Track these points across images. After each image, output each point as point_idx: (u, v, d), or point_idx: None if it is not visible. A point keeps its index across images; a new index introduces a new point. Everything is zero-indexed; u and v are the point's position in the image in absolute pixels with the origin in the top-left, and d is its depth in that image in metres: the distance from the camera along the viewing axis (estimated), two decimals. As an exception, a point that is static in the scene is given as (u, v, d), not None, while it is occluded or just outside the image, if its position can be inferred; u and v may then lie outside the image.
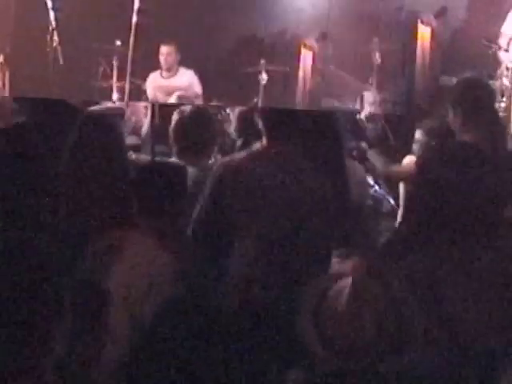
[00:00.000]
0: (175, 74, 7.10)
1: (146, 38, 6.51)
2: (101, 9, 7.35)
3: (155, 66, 7.18)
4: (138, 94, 6.87)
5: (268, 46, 7.69)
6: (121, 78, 6.57)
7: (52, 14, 5.06)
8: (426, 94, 7.44)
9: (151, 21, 6.62)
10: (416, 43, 7.35)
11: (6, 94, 6.59)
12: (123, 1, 6.41)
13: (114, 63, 6.64)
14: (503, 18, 6.26)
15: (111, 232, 2.88)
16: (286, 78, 7.56)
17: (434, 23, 7.58)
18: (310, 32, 7.79)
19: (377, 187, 5.95)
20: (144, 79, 7.05)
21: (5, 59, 5.62)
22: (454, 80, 6.75)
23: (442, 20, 7.50)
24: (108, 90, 6.75)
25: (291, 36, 7.73)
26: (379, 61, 6.61)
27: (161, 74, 7.19)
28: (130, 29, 6.25)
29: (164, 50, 7.09)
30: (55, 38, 5.06)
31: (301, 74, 7.64)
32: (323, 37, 7.75)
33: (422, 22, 7.45)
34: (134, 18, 6.25)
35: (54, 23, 5.07)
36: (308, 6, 8.00)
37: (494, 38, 5.54)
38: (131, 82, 6.46)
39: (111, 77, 6.70)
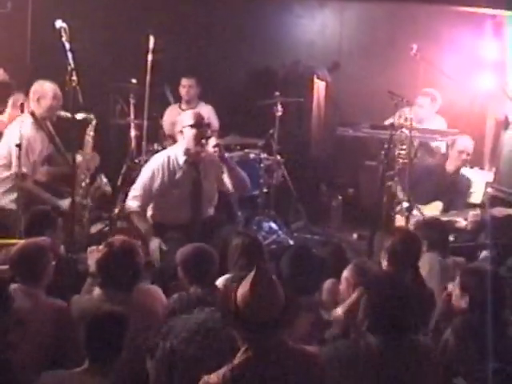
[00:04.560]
0: (195, 106, 7.16)
1: (163, 76, 6.61)
2: (117, 49, 7.54)
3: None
4: (155, 129, 6.98)
5: (282, 78, 7.79)
6: (138, 115, 6.68)
7: (70, 55, 5.15)
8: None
9: (166, 58, 6.75)
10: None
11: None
12: (138, 40, 6.52)
13: (131, 101, 6.76)
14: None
15: None
16: (300, 109, 7.63)
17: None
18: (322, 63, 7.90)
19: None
20: (161, 116, 7.17)
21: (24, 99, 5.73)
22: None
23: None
24: (126, 127, 6.86)
25: (304, 67, 7.82)
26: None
27: (180, 107, 7.28)
28: (146, 67, 6.35)
29: (186, 82, 7.21)
30: (74, 77, 5.15)
31: (315, 104, 7.72)
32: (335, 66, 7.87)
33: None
34: (150, 57, 6.36)
35: (72, 64, 5.15)
36: (319, 38, 8.16)
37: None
38: (149, 119, 6.55)
39: (128, 114, 6.81)
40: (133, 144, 6.73)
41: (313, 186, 7.64)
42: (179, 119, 5.37)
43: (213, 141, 5.22)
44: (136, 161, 6.55)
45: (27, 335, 3.53)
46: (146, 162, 6.12)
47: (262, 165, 6.73)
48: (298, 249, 4.16)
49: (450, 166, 6.34)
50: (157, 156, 5.45)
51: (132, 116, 6.76)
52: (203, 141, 5.19)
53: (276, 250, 5.99)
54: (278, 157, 6.85)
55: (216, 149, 5.18)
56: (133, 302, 3.81)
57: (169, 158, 5.28)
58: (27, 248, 3.98)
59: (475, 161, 7.15)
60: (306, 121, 7.78)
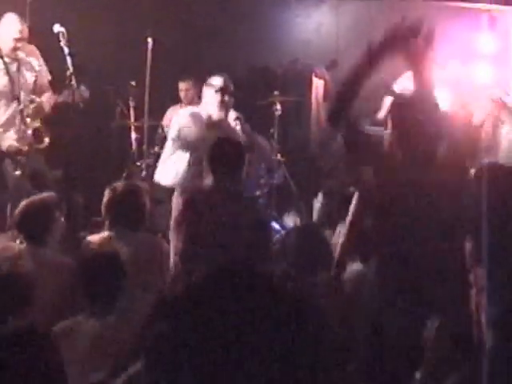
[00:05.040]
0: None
1: (162, 77, 6.62)
2: (115, 51, 7.55)
3: (172, 103, 7.32)
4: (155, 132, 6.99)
5: (280, 77, 7.80)
6: (138, 117, 6.69)
7: (69, 60, 5.20)
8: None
9: (165, 60, 6.76)
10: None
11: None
12: (137, 42, 6.53)
13: (130, 103, 6.77)
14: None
15: None
16: (299, 108, 7.65)
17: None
18: (319, 61, 7.92)
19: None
20: (161, 117, 7.17)
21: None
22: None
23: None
24: (126, 130, 6.87)
25: (302, 66, 7.85)
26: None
27: (181, 107, 7.28)
28: (145, 69, 6.36)
29: (183, 86, 7.23)
30: (73, 82, 5.19)
31: (314, 102, 7.74)
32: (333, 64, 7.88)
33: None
34: (149, 59, 6.36)
35: (71, 68, 5.20)
36: (315, 36, 8.18)
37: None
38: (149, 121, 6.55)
39: (128, 117, 6.82)
40: (134, 147, 6.75)
41: (314, 185, 7.65)
42: (209, 80, 5.24)
43: (232, 113, 5.17)
44: (138, 163, 6.56)
45: (37, 297, 3.33)
46: (147, 164, 6.19)
47: (262, 165, 6.73)
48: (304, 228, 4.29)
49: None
50: (183, 112, 5.40)
51: (132, 119, 6.78)
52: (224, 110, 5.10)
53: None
54: (279, 156, 6.87)
55: (237, 121, 5.14)
56: (139, 242, 3.93)
57: (193, 116, 5.18)
58: (30, 206, 3.90)
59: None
60: (306, 120, 7.81)
